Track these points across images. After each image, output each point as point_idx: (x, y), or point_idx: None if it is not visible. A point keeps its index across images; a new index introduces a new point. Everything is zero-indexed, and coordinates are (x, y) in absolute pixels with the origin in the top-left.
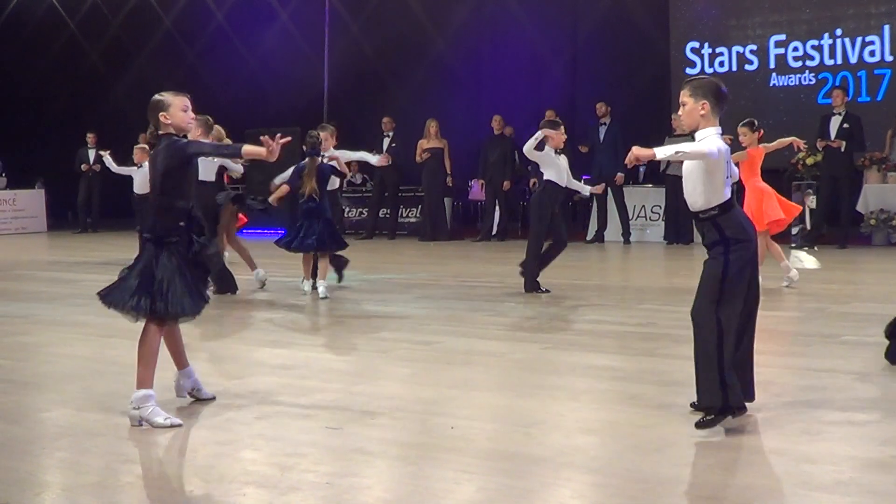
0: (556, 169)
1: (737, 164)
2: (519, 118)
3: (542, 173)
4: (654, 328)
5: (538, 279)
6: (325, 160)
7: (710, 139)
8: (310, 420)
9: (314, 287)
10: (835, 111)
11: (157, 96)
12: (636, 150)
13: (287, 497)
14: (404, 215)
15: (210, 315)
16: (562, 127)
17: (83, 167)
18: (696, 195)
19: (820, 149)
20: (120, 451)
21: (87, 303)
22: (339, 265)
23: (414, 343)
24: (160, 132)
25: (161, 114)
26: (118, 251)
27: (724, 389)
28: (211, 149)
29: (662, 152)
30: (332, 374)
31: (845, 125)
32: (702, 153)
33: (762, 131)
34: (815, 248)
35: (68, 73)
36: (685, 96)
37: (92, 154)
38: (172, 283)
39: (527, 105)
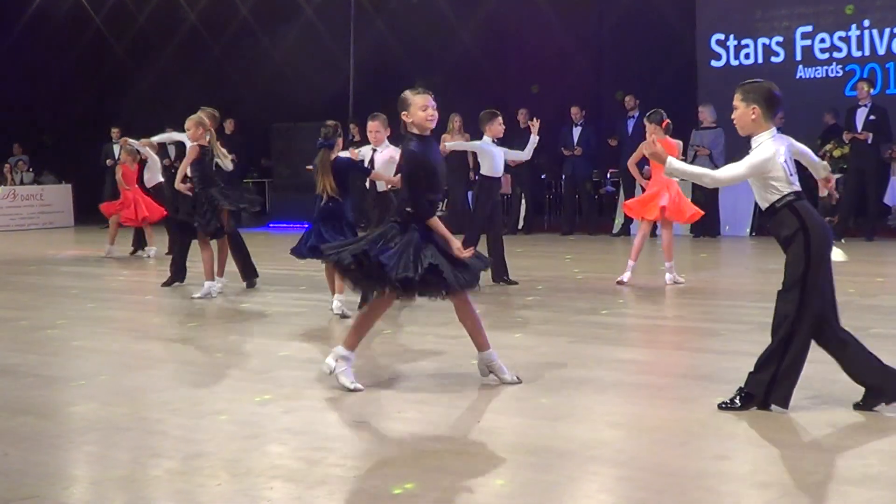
0: (491, 161)
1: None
2: (545, 112)
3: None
4: (682, 322)
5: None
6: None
7: (762, 146)
8: (337, 414)
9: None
10: (860, 103)
11: (403, 93)
12: (659, 151)
13: (314, 491)
14: None
15: (237, 310)
16: (499, 117)
17: (108, 162)
18: (763, 195)
19: (847, 141)
20: (147, 444)
21: (114, 297)
22: None
23: (440, 336)
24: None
25: (403, 112)
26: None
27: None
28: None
29: (670, 167)
30: (358, 368)
31: (872, 117)
32: (715, 180)
33: (667, 121)
34: (843, 241)
35: (93, 69)
36: (737, 101)
37: (116, 149)
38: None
39: (552, 99)
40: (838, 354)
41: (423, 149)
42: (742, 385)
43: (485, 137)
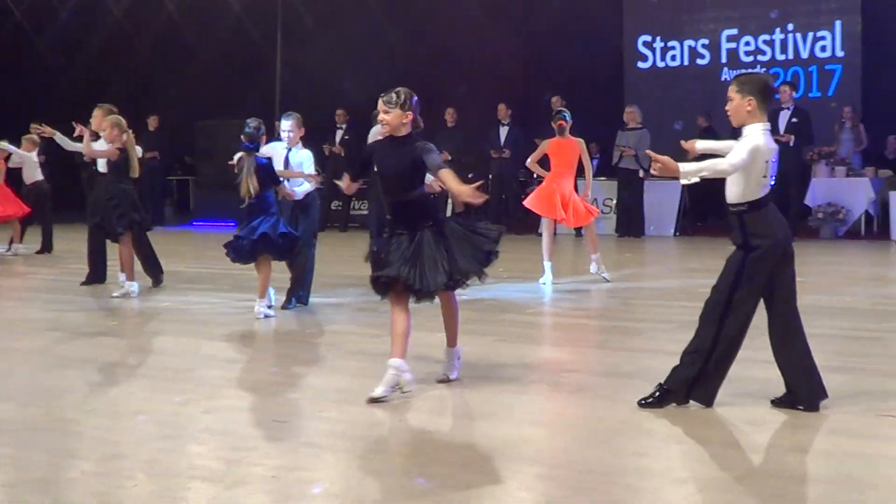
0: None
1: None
2: (473, 112)
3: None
4: (605, 321)
5: None
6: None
7: (751, 136)
8: (257, 414)
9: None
10: (783, 106)
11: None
12: (665, 162)
13: (233, 491)
14: (356, 208)
15: (157, 309)
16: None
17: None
18: (733, 187)
19: None
20: (64, 446)
21: (32, 296)
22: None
23: (363, 336)
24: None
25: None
26: (63, 244)
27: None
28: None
29: (685, 175)
30: (281, 367)
31: (794, 119)
32: (730, 169)
33: (561, 122)
34: None
35: (15, 65)
36: (732, 92)
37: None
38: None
39: (482, 100)
40: (777, 347)
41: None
42: (662, 381)
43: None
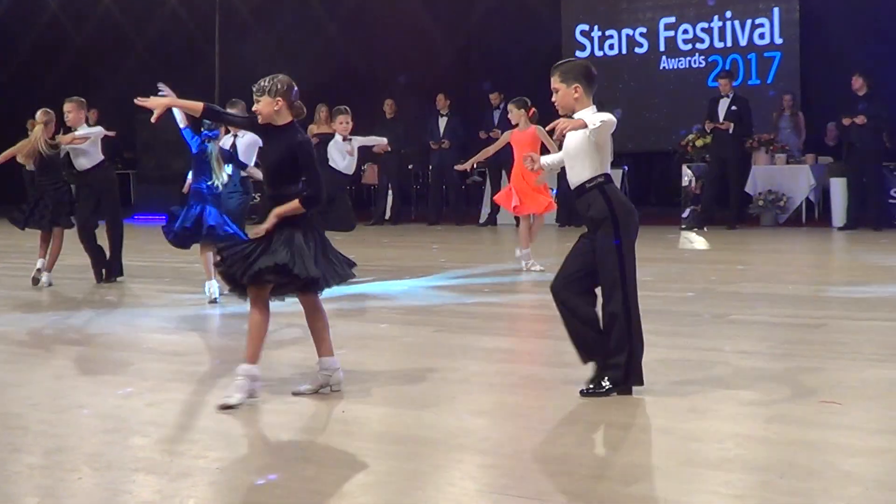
0: (339, 155)
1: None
2: (411, 102)
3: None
4: (546, 310)
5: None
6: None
7: (598, 114)
8: (200, 406)
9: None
10: (722, 94)
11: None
12: (565, 122)
13: (178, 483)
14: None
15: (100, 301)
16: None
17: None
18: (584, 168)
19: (708, 131)
20: (7, 440)
21: None
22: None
23: (303, 327)
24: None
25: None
26: (2, 238)
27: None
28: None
29: (591, 125)
30: (222, 359)
31: (733, 107)
32: (611, 126)
33: (534, 110)
34: (705, 229)
35: None
36: (556, 82)
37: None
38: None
39: (419, 89)
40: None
41: None
42: (600, 374)
43: (336, 136)
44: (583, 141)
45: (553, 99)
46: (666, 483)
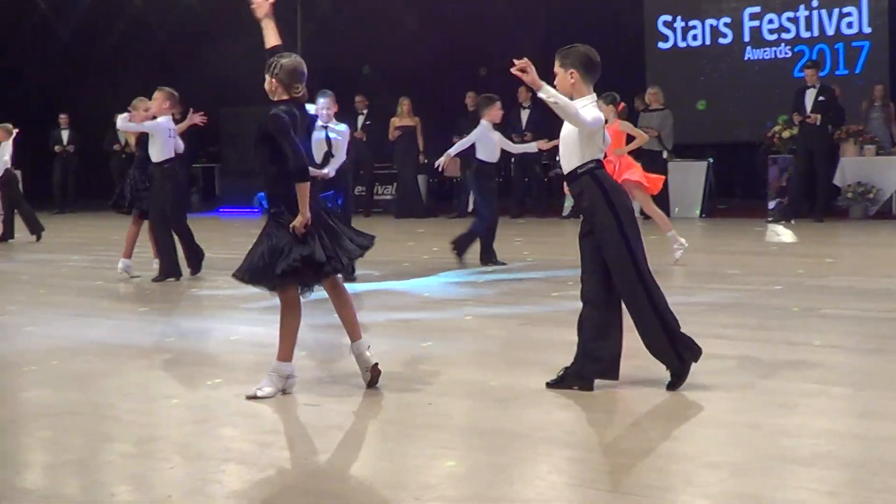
0: (490, 147)
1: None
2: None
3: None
4: None
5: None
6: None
7: (587, 108)
8: (288, 398)
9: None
10: (808, 85)
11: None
12: (531, 73)
13: (266, 473)
14: (380, 192)
15: (188, 294)
16: (498, 102)
17: (56, 148)
18: (574, 156)
19: (797, 123)
20: (100, 429)
21: (64, 283)
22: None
23: (391, 320)
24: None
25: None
26: (95, 231)
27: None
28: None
29: (546, 91)
30: (310, 350)
31: (820, 98)
32: (578, 119)
33: (623, 105)
34: (792, 222)
35: (39, 55)
36: (556, 66)
37: (66, 135)
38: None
39: (500, 81)
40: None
41: None
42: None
43: (483, 122)
44: (574, 129)
45: (554, 83)
46: (757, 479)
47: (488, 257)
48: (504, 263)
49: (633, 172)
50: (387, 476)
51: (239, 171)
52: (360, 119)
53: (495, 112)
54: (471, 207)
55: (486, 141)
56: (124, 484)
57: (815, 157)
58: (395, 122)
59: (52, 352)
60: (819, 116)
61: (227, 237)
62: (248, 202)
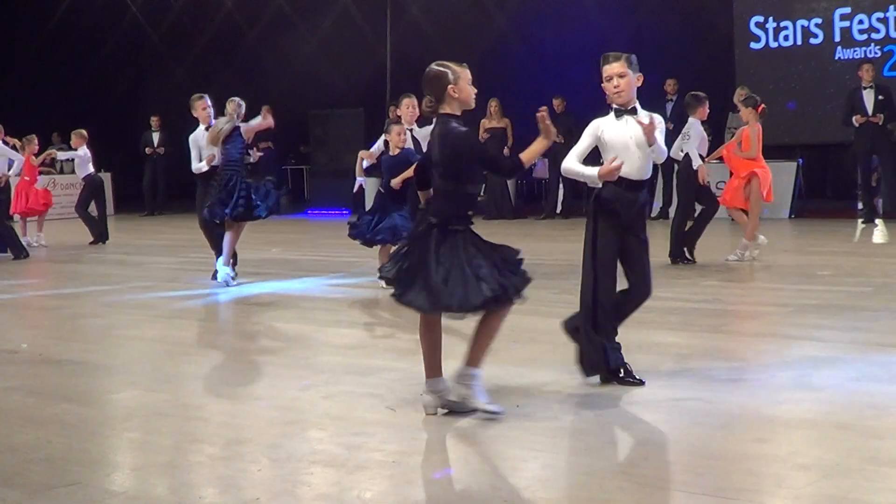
0: (703, 144)
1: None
2: (581, 97)
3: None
4: (720, 304)
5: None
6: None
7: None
8: (376, 399)
9: None
10: (865, 85)
11: (438, 67)
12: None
13: (355, 476)
14: None
15: (276, 296)
16: (707, 100)
17: (147, 150)
18: (648, 164)
19: (857, 125)
20: (189, 430)
21: (154, 285)
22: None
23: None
24: (441, 108)
25: (450, 87)
26: (184, 233)
27: None
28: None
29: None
30: (397, 352)
31: (880, 97)
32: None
33: (762, 106)
34: (876, 223)
35: (129, 57)
36: (622, 67)
37: (156, 137)
38: (454, 272)
39: (589, 84)
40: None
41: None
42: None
43: (691, 120)
44: (643, 141)
45: (615, 84)
46: (848, 481)
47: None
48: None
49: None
50: (476, 477)
51: (328, 173)
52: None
53: (703, 110)
54: (559, 209)
55: (700, 138)
56: (212, 486)
57: (879, 157)
58: (485, 123)
59: (142, 353)
60: (882, 116)
61: (317, 239)
62: (337, 204)
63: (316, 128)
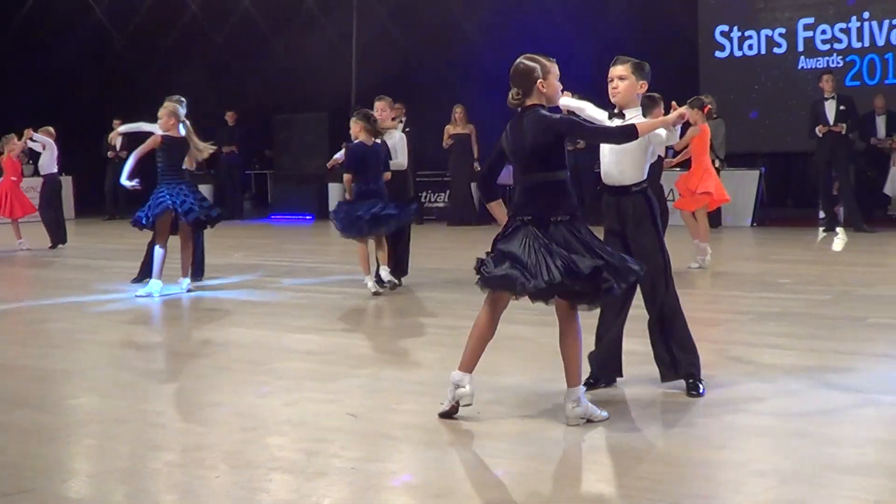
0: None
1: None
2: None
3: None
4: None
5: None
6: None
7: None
8: (336, 405)
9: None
10: (826, 96)
11: (528, 61)
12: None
13: (314, 483)
14: (432, 200)
15: (236, 302)
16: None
17: (110, 154)
18: (633, 169)
19: (821, 135)
20: (147, 437)
21: (115, 289)
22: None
23: (442, 328)
24: (528, 101)
25: (539, 81)
26: (147, 237)
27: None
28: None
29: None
30: (360, 359)
31: (841, 107)
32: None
33: (708, 107)
34: (836, 231)
35: (94, 60)
36: (625, 71)
37: (119, 141)
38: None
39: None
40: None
41: None
42: (685, 374)
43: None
44: (639, 142)
45: (615, 85)
46: (804, 487)
47: None
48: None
49: (709, 184)
50: (435, 484)
51: (292, 178)
52: (400, 126)
53: (658, 111)
54: None
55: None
56: (170, 493)
57: (836, 167)
58: (450, 129)
59: (100, 359)
60: (845, 126)
61: (280, 244)
62: (300, 208)
63: (280, 132)
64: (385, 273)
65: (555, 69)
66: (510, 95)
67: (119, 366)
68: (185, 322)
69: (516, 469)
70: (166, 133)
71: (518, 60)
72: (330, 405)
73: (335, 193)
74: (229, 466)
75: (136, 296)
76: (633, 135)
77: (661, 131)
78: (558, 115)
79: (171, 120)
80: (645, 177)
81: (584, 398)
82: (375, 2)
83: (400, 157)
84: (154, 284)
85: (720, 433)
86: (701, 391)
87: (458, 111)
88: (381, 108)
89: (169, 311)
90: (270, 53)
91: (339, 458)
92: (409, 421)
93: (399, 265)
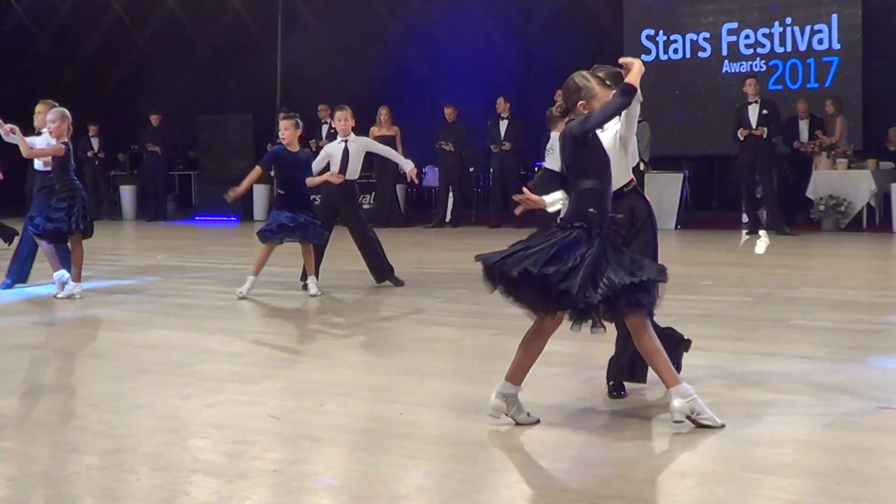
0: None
1: None
2: (473, 106)
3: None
4: None
5: None
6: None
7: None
8: (259, 407)
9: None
10: (751, 100)
11: (579, 80)
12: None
13: (235, 485)
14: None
15: (156, 303)
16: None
17: (89, 154)
18: (617, 171)
19: (741, 138)
20: (67, 440)
21: (33, 291)
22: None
23: (366, 329)
24: (570, 116)
25: (581, 103)
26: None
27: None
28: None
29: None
30: (282, 361)
31: (764, 111)
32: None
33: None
34: (759, 234)
35: (13, 62)
36: (598, 84)
37: (95, 143)
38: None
39: (480, 93)
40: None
41: None
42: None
43: (553, 135)
44: (617, 142)
45: (582, 96)
46: (724, 488)
47: None
48: None
49: None
50: (358, 486)
51: (217, 179)
52: (325, 128)
53: (563, 124)
54: (448, 217)
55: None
56: (90, 496)
57: (759, 170)
58: (375, 131)
59: (18, 361)
60: (766, 129)
61: (203, 245)
62: (225, 210)
63: (204, 133)
64: (313, 284)
65: (604, 96)
66: (556, 105)
67: (37, 368)
68: (104, 324)
69: (439, 470)
70: (62, 140)
71: (573, 74)
72: (252, 407)
73: (260, 195)
74: (150, 469)
75: (55, 297)
76: (632, 91)
77: (636, 108)
78: (575, 119)
79: (63, 125)
80: (631, 176)
81: (699, 398)
82: (300, 3)
83: (353, 165)
84: (66, 280)
85: (639, 434)
86: (623, 393)
87: (383, 113)
88: (345, 118)
89: (88, 312)
90: (195, 53)
91: (261, 459)
92: (331, 422)
93: (380, 266)
